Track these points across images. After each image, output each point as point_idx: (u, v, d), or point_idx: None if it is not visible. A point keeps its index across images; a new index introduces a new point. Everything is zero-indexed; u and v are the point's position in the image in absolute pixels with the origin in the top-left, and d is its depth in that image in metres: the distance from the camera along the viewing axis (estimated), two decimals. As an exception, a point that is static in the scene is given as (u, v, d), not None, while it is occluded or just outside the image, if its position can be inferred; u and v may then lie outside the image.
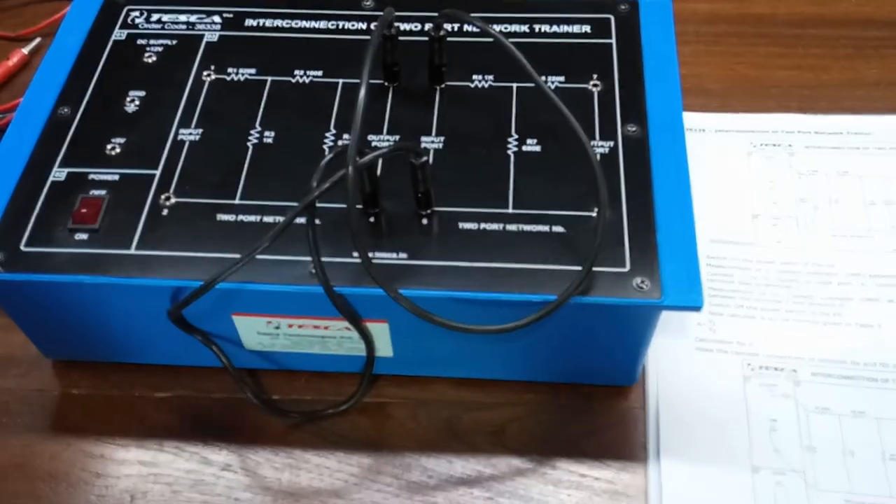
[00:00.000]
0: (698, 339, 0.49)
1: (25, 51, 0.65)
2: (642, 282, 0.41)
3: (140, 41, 0.52)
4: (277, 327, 0.45)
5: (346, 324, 0.44)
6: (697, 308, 0.40)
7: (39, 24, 0.67)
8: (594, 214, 0.44)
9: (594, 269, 0.41)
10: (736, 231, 0.54)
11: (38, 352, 0.50)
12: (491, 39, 0.43)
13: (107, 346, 0.48)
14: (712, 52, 0.64)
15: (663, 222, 0.43)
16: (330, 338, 0.45)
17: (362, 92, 0.39)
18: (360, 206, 0.44)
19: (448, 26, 0.52)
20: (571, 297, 0.40)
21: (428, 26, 0.52)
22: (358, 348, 0.46)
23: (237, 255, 0.42)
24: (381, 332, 0.45)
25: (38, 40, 0.66)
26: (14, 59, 0.65)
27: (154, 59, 0.51)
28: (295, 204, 0.44)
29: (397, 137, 0.47)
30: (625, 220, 0.43)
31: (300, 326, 0.45)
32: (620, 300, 0.41)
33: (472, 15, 0.44)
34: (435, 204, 0.44)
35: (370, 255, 0.42)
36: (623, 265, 0.42)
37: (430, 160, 0.46)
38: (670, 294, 0.41)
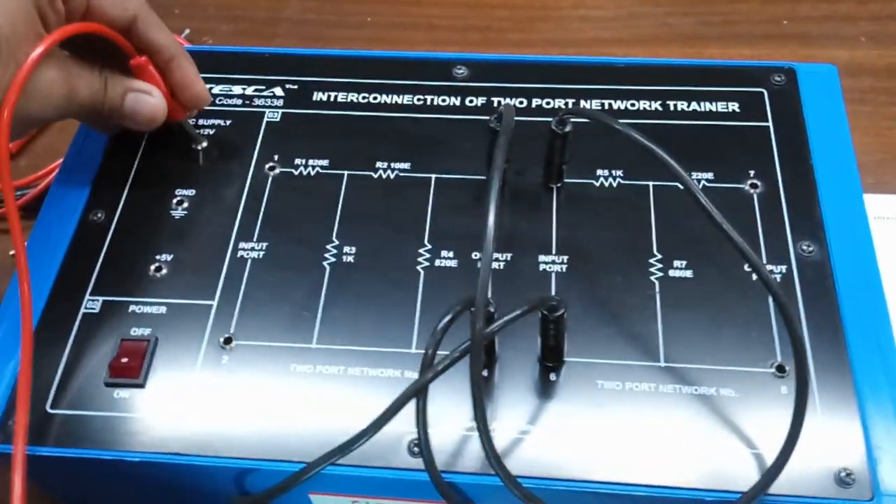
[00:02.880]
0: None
1: (48, 107, 0.56)
2: (847, 474, 0.31)
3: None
4: (365, 505, 0.36)
5: (451, 506, 0.35)
6: (924, 515, 0.31)
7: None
8: (772, 371, 0.34)
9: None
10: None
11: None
12: (603, 123, 0.34)
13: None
14: (858, 112, 0.53)
15: (864, 382, 0.34)
16: (430, 517, 0.37)
17: (489, 236, 0.29)
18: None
19: (559, 101, 0.43)
20: (758, 497, 0.31)
21: (535, 101, 0.43)
22: (464, 527, 0.37)
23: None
24: (496, 517, 0.36)
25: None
26: (35, 118, 0.56)
27: (205, 144, 0.42)
28: (386, 350, 0.35)
29: (509, 256, 0.38)
30: (813, 379, 0.34)
31: (393, 506, 0.36)
32: (819, 500, 0.31)
33: (594, 109, 0.35)
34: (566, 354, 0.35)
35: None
36: (818, 446, 0.32)
37: (553, 288, 0.37)
38: (886, 490, 0.31)
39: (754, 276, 0.36)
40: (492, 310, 0.32)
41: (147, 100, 0.38)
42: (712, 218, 0.31)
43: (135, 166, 0.41)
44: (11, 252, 0.50)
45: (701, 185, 0.39)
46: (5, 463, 0.35)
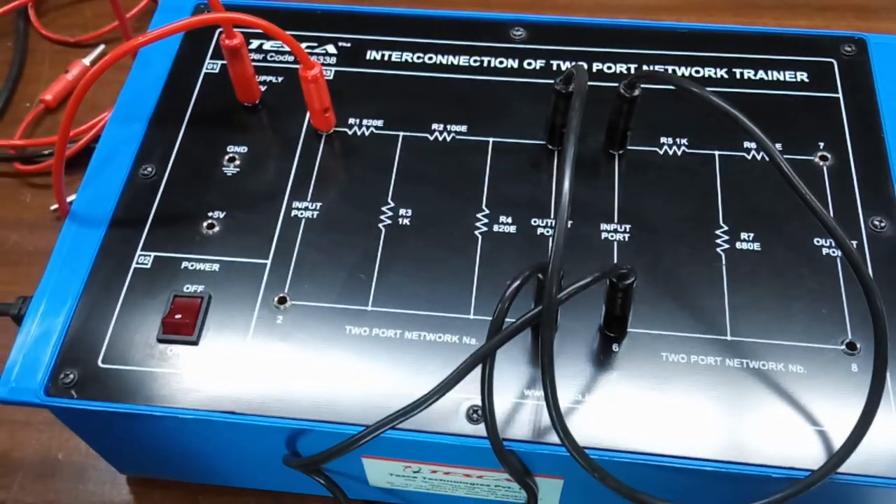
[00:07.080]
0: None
1: (87, 61, 0.55)
2: (921, 456, 0.31)
3: (237, 76, 0.42)
4: (417, 471, 0.35)
5: (506, 475, 0.34)
6: None
7: (103, 27, 0.57)
8: (842, 348, 0.33)
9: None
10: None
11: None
12: (682, 88, 0.32)
13: (197, 471, 0.39)
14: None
15: (937, 364, 0.33)
16: (482, 485, 0.36)
17: (565, 201, 0.28)
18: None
19: (621, 66, 0.41)
20: (829, 475, 0.30)
21: (596, 66, 0.41)
22: (515, 496, 0.36)
23: (375, 388, 0.32)
24: (550, 488, 0.35)
25: (101, 48, 0.56)
26: (74, 72, 0.55)
27: (256, 101, 0.41)
28: (444, 315, 0.35)
29: (570, 224, 0.37)
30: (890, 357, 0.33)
31: (447, 473, 0.35)
32: (892, 481, 0.31)
33: (672, 73, 0.34)
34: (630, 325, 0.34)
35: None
36: (892, 425, 0.32)
37: (615, 257, 0.36)
38: (960, 474, 0.31)
39: (824, 251, 0.35)
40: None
41: None
42: (798, 191, 0.30)
43: (184, 122, 0.40)
44: (53, 206, 0.49)
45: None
46: (58, 414, 0.34)
